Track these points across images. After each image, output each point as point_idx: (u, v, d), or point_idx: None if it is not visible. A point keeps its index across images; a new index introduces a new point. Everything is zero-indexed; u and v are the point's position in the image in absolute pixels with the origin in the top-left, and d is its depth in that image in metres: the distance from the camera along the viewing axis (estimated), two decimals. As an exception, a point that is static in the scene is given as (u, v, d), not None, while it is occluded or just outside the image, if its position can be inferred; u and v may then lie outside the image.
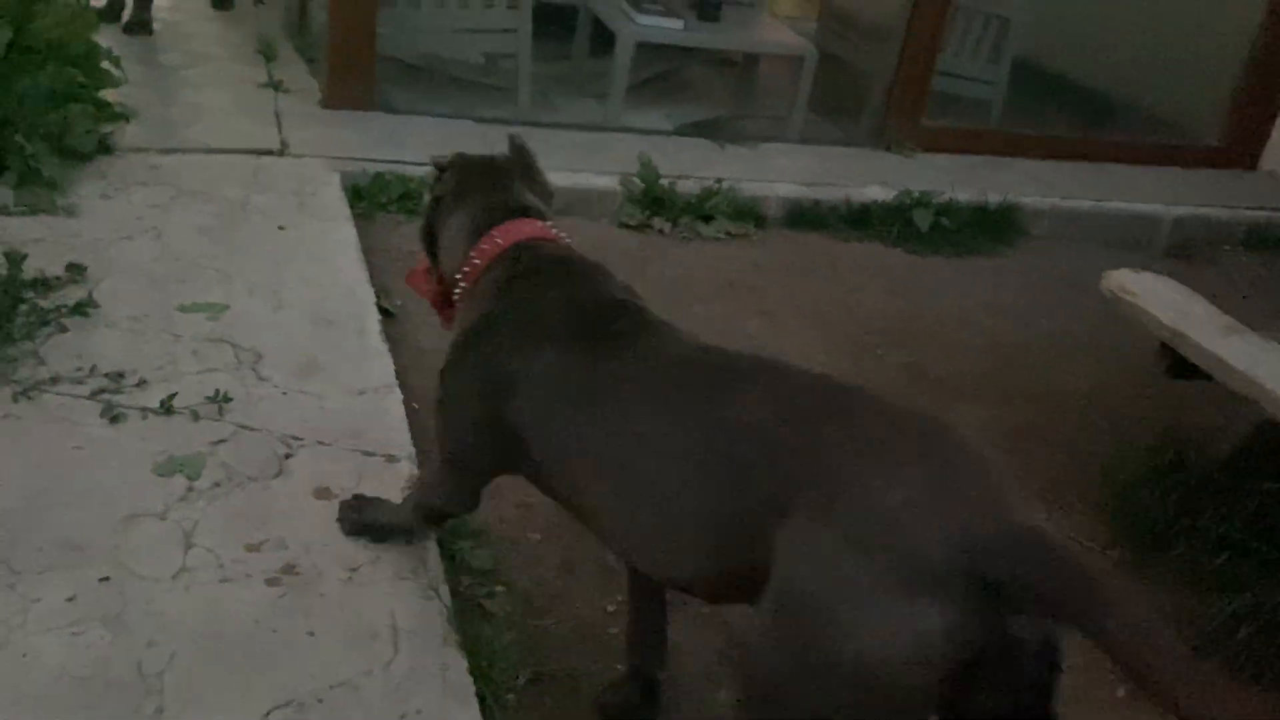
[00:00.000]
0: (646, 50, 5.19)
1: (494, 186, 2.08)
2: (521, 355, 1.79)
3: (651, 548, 1.65)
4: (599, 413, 1.67)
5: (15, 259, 2.96)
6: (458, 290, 2.03)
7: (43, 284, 2.97)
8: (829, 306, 3.95)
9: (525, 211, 2.06)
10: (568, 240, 2.05)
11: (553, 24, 5.52)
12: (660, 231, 4.30)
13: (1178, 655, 1.18)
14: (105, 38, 4.18)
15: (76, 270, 3.05)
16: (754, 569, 1.40)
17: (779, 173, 4.83)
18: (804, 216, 4.58)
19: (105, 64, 4.09)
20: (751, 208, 4.50)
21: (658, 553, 1.64)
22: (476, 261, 1.97)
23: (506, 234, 1.98)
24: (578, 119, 5.15)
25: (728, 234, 4.36)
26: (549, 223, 2.08)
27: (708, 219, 4.38)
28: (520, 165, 2.18)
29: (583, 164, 4.59)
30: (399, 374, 2.96)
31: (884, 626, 1.26)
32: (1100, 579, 1.26)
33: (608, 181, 4.50)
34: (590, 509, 1.75)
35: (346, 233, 3.65)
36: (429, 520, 2.21)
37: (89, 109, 3.72)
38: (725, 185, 4.49)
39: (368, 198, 4.04)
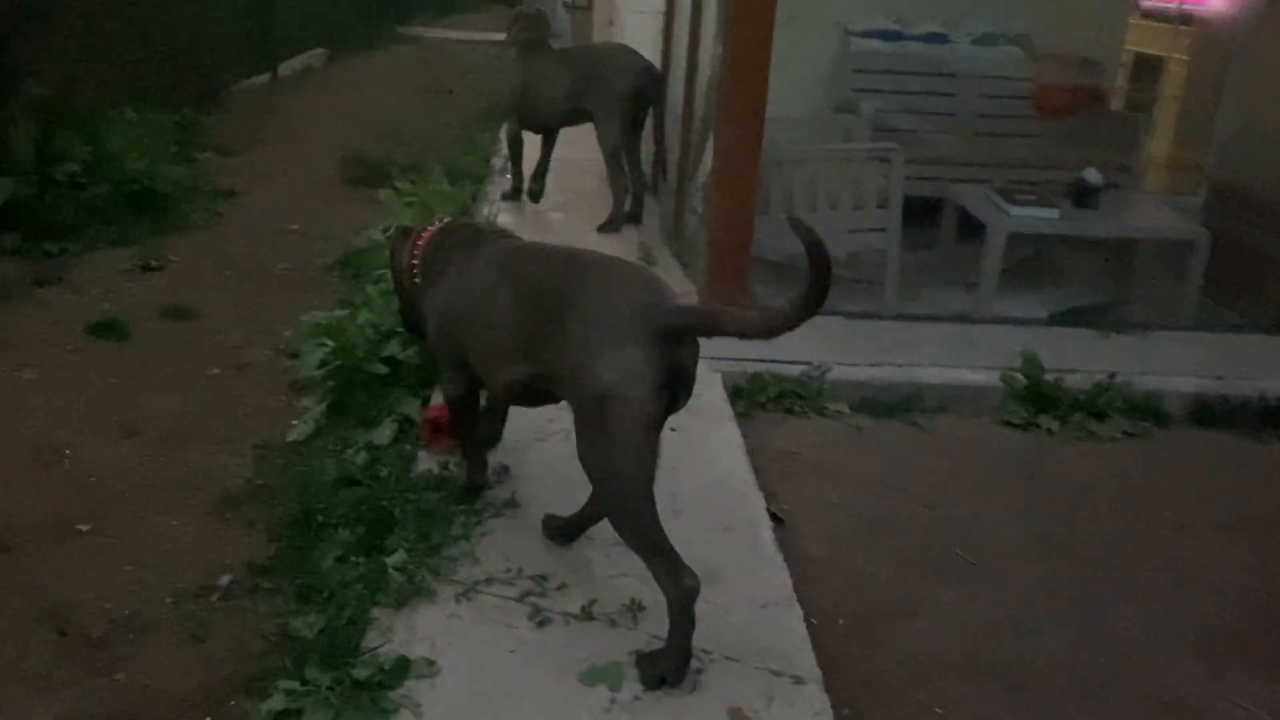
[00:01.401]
0: (1018, 238, 5.09)
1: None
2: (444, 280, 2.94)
3: (493, 365, 2.77)
4: (471, 286, 2.81)
5: (450, 464, 3.29)
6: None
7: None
8: (1258, 520, 3.54)
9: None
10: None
11: (917, 215, 5.56)
12: (1048, 431, 4.08)
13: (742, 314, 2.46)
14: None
15: (502, 473, 3.33)
16: (549, 368, 2.57)
17: (1176, 364, 4.49)
18: (1211, 413, 4.19)
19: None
20: (1149, 404, 4.18)
21: (497, 367, 2.75)
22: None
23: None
24: (946, 310, 5.09)
25: (1125, 434, 4.06)
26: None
27: (1101, 417, 4.11)
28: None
29: (955, 358, 4.50)
30: (794, 582, 2.95)
31: (614, 364, 2.37)
32: (718, 311, 2.57)
33: (984, 377, 4.37)
34: (473, 354, 2.85)
35: (731, 433, 3.76)
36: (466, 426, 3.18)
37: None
38: (1118, 379, 4.22)
39: (746, 396, 4.16)
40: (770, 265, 5.11)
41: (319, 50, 13.15)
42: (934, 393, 4.32)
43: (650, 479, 2.46)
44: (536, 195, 6.73)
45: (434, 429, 3.46)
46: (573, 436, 2.53)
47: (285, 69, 11.81)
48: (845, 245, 5.17)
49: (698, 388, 4.05)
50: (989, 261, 5.03)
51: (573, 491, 3.25)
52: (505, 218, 6.28)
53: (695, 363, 2.48)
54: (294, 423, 3.78)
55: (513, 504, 3.20)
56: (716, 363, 4.29)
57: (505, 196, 6.67)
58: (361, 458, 3.47)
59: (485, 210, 6.33)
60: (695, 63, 5.59)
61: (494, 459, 3.40)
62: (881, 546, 3.32)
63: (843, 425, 4.07)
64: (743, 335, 2.39)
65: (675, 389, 2.43)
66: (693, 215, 5.74)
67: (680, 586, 2.42)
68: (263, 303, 4.99)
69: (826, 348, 4.49)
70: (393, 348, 3.87)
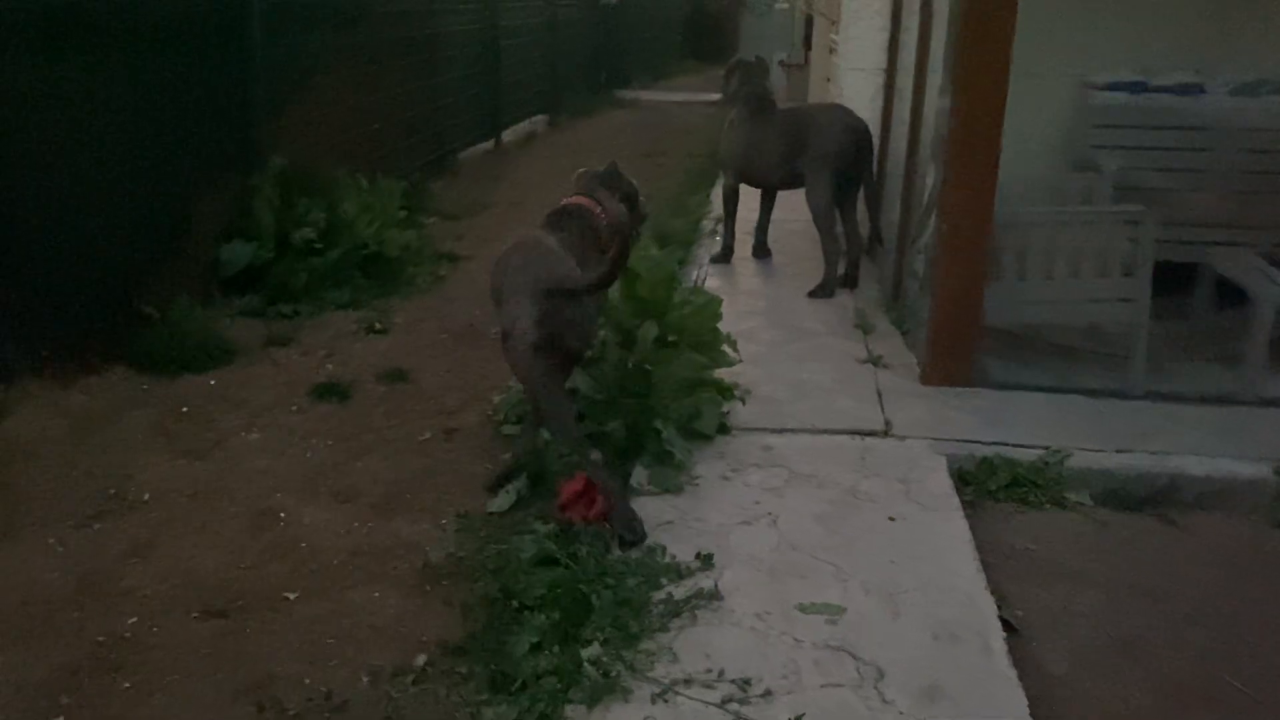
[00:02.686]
0: (1291, 311, 4.49)
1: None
2: None
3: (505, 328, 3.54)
4: None
5: (656, 549, 3.13)
6: None
7: (675, 571, 3.09)
8: None
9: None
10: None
11: (1165, 282, 5.03)
12: (1337, 536, 3.52)
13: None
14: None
15: (704, 560, 3.14)
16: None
17: None
18: None
19: (725, 347, 4.41)
20: None
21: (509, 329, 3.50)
22: None
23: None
24: (1204, 389, 4.53)
25: None
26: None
27: (1404, 523, 3.51)
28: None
29: (1217, 446, 3.98)
30: (1030, 705, 2.60)
31: (520, 315, 3.41)
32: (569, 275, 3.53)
33: (1253, 469, 3.85)
34: None
35: (958, 526, 3.43)
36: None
37: (715, 397, 3.96)
38: None
39: (974, 483, 3.80)
40: (1001, 337, 4.72)
41: (540, 116, 13.61)
42: (1192, 485, 3.82)
43: (546, 386, 3.48)
44: (761, 251, 6.59)
45: (565, 505, 3.45)
46: (782, 522, 3.39)
47: (509, 135, 12.27)
48: (1085, 315, 4.72)
49: (919, 473, 3.81)
50: (1256, 336, 4.46)
51: (783, 582, 3.03)
52: (714, 281, 6.15)
53: (576, 314, 3.50)
54: (491, 500, 3.73)
55: (715, 595, 3.00)
56: (940, 444, 3.97)
57: (714, 259, 6.55)
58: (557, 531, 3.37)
59: (694, 274, 6.22)
60: (919, 120, 5.31)
61: (694, 548, 3.22)
62: (1134, 667, 2.89)
63: (1085, 519, 3.65)
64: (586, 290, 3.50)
65: (555, 329, 3.42)
66: (913, 280, 5.43)
67: (590, 460, 3.44)
68: (476, 367, 5.03)
69: (1065, 430, 4.07)
70: (590, 424, 3.77)
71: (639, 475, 3.69)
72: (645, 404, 3.83)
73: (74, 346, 4.75)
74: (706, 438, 3.95)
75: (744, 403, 4.11)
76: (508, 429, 4.14)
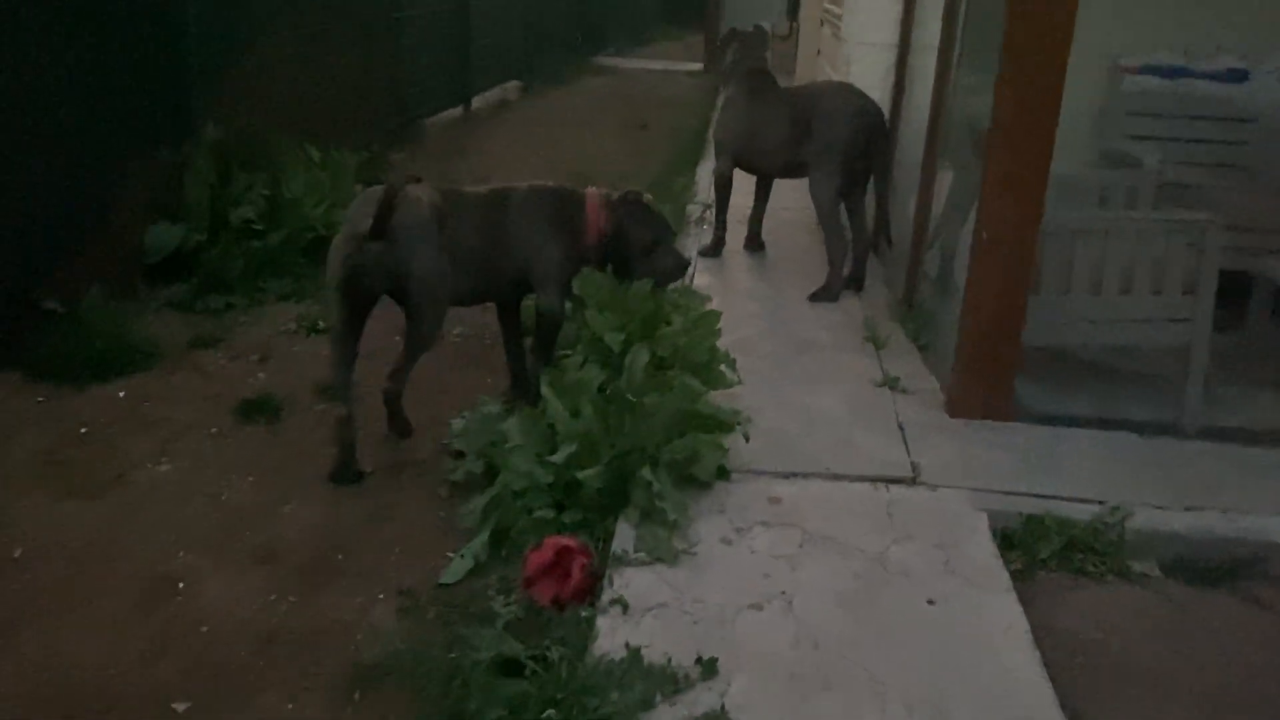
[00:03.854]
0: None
1: None
2: None
3: None
4: None
5: (647, 648, 2.50)
6: None
7: (670, 680, 2.46)
8: None
9: None
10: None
11: (1227, 300, 4.44)
12: None
13: None
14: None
15: (707, 667, 2.51)
16: None
17: None
18: None
19: (723, 368, 3.78)
20: None
21: None
22: None
23: None
24: (1271, 424, 3.95)
25: None
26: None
27: None
28: None
29: (1292, 498, 3.40)
30: None
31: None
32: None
33: (1342, 529, 3.25)
34: None
35: (1010, 611, 2.82)
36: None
37: (714, 439, 3.32)
38: None
39: (1022, 547, 3.20)
40: (1037, 354, 4.10)
41: (513, 83, 12.83)
42: (1247, 547, 3.24)
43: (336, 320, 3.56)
44: (754, 244, 5.95)
45: (531, 580, 2.86)
46: (799, 605, 2.78)
47: (479, 102, 11.49)
48: (1136, 336, 4.11)
49: (958, 534, 3.21)
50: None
51: (805, 697, 2.41)
52: (704, 278, 5.50)
53: (376, 259, 3.43)
54: (450, 555, 3.08)
55: (720, 715, 2.37)
56: (979, 495, 3.36)
57: (703, 252, 5.90)
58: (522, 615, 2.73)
59: (682, 269, 5.56)
60: (941, 105, 4.67)
61: (693, 644, 2.59)
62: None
63: (1156, 598, 3.05)
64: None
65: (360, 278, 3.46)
66: (928, 285, 4.80)
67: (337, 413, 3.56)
68: (433, 379, 4.36)
69: (1120, 478, 3.48)
70: (569, 458, 3.12)
71: (624, 535, 3.06)
72: (631, 444, 3.18)
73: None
74: (704, 484, 3.31)
75: (747, 439, 3.48)
76: (455, 472, 3.47)
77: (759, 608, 2.78)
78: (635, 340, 3.71)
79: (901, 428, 3.80)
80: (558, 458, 3.10)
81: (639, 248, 3.93)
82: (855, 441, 3.68)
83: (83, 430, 3.80)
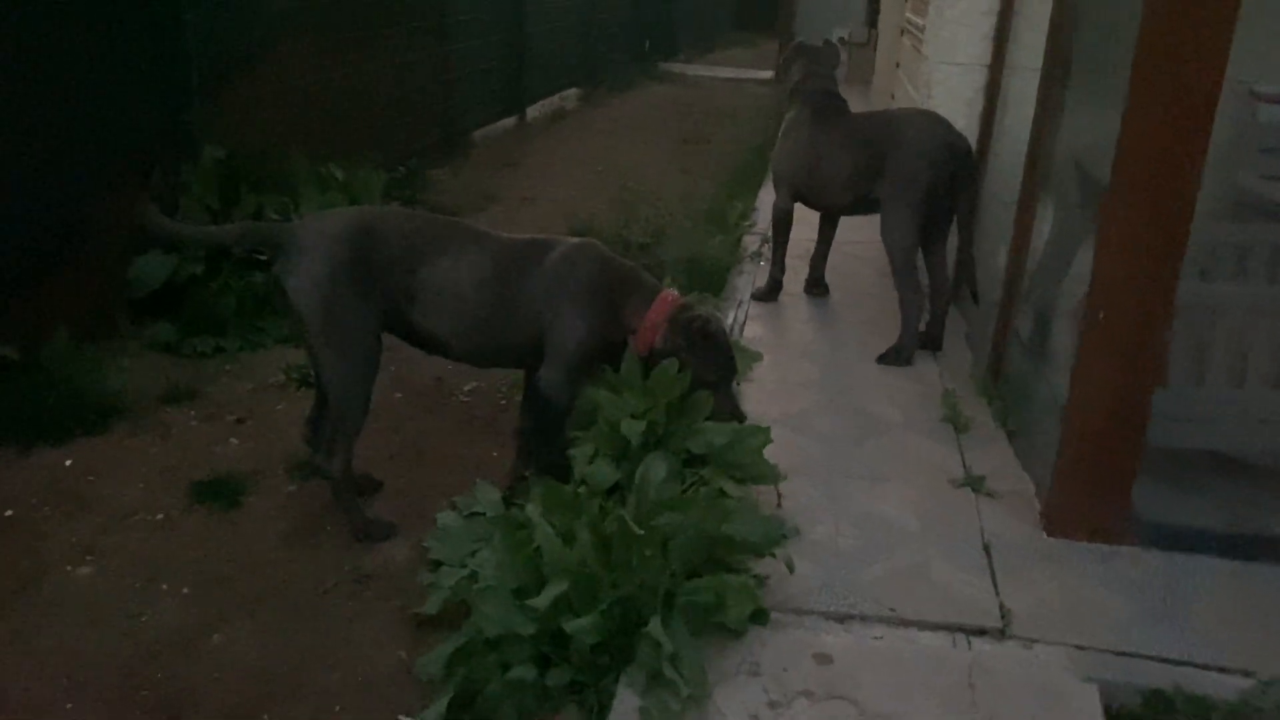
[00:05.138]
0: None
1: None
2: None
3: None
4: None
5: None
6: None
7: None
8: None
9: None
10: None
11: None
12: None
13: None
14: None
15: None
16: None
17: None
18: None
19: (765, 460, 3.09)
20: None
21: None
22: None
23: None
24: None
25: None
26: None
27: None
28: None
29: None
30: None
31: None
32: None
33: None
34: None
35: None
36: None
37: (746, 583, 2.62)
38: None
39: (1146, 739, 2.44)
40: (1159, 463, 3.31)
41: (572, 90, 12.21)
42: None
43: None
44: (816, 288, 5.24)
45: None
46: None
47: (535, 111, 10.89)
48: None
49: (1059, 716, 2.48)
50: None
51: None
52: (755, 328, 4.79)
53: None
54: (402, 719, 2.42)
55: None
56: (1087, 657, 2.60)
57: (757, 295, 5.19)
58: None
59: (731, 315, 4.86)
60: (1043, 137, 3.89)
61: None
62: None
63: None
64: None
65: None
66: (1019, 352, 4.02)
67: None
68: (429, 455, 3.73)
69: (1272, 632, 2.69)
70: (557, 600, 2.43)
71: (625, 706, 2.37)
72: (638, 585, 2.49)
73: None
74: (732, 633, 2.60)
75: (791, 569, 2.76)
76: (429, 600, 2.81)
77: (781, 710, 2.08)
78: (659, 431, 3.02)
79: (988, 549, 3.05)
80: (541, 601, 2.42)
81: (696, 381, 3.16)
82: (930, 570, 2.94)
83: (7, 513, 3.23)
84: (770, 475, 3.13)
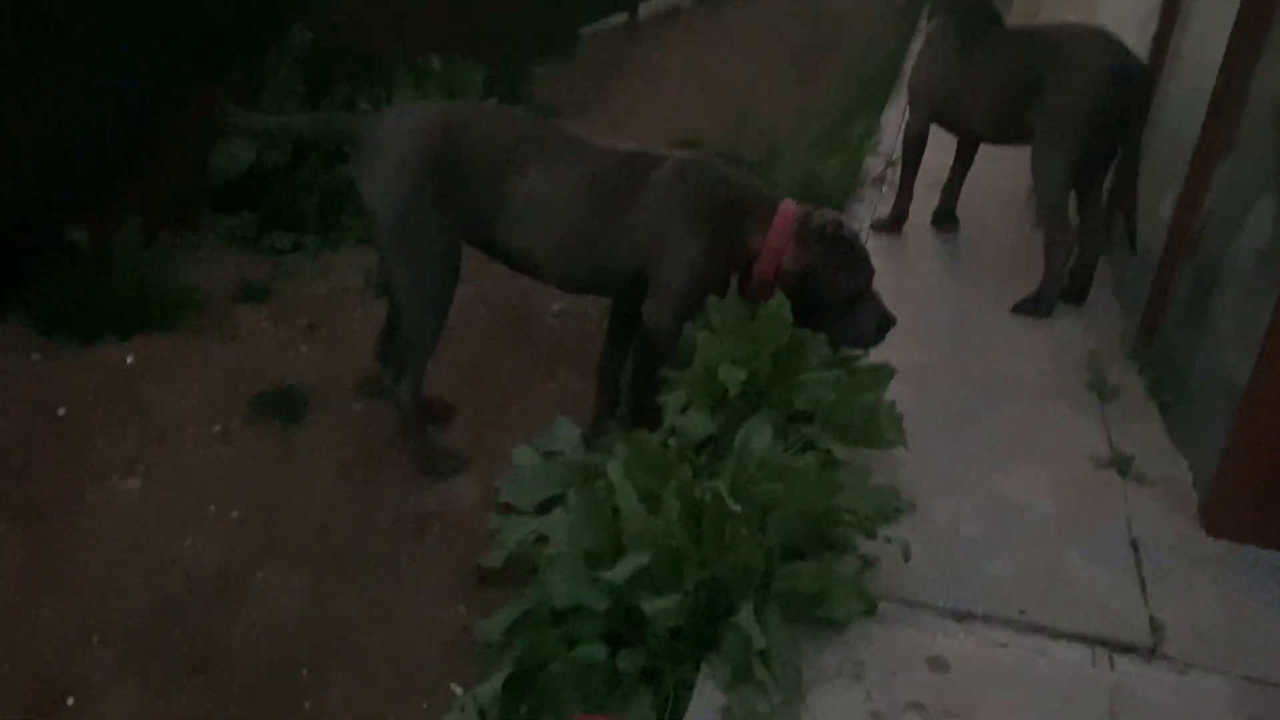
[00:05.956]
0: None
1: None
2: None
3: None
4: None
5: None
6: None
7: None
8: None
9: None
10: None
11: None
12: None
13: None
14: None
15: None
16: None
17: None
18: None
19: (885, 425, 2.70)
20: None
21: None
22: None
23: None
24: None
25: None
26: None
27: None
28: None
29: None
30: None
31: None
32: None
33: None
34: None
35: None
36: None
37: (855, 574, 2.26)
38: None
39: (1325, 803, 2.03)
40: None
41: (691, -13, 11.54)
42: None
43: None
44: (946, 221, 4.74)
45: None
46: None
47: (647, 9, 10.31)
48: None
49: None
50: None
51: None
52: (878, 262, 4.33)
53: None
54: (454, 689, 2.15)
55: None
56: (1254, 692, 2.20)
57: (878, 225, 4.71)
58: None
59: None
60: (1239, 68, 3.31)
61: None
62: None
63: None
64: None
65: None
66: (1180, 315, 3.51)
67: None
68: (505, 382, 3.42)
69: None
70: (635, 575, 2.11)
71: (704, 701, 2.05)
72: (731, 567, 2.15)
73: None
74: (834, 625, 2.26)
75: (907, 558, 2.38)
76: (499, 534, 2.51)
77: None
78: (762, 382, 2.65)
79: (1136, 547, 2.63)
80: (618, 574, 2.10)
81: (833, 299, 2.80)
82: (1066, 567, 2.54)
83: (60, 411, 3.03)
84: (887, 438, 2.74)
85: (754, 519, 2.18)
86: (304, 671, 2.20)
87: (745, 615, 2.06)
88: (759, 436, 2.34)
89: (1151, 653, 2.29)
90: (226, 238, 4.30)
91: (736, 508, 2.09)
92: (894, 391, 2.81)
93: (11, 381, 3.15)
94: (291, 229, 4.39)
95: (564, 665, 2.10)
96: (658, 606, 2.08)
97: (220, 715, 2.07)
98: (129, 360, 3.35)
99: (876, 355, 3.06)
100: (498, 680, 2.09)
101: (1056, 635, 2.32)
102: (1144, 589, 2.47)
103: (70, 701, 2.06)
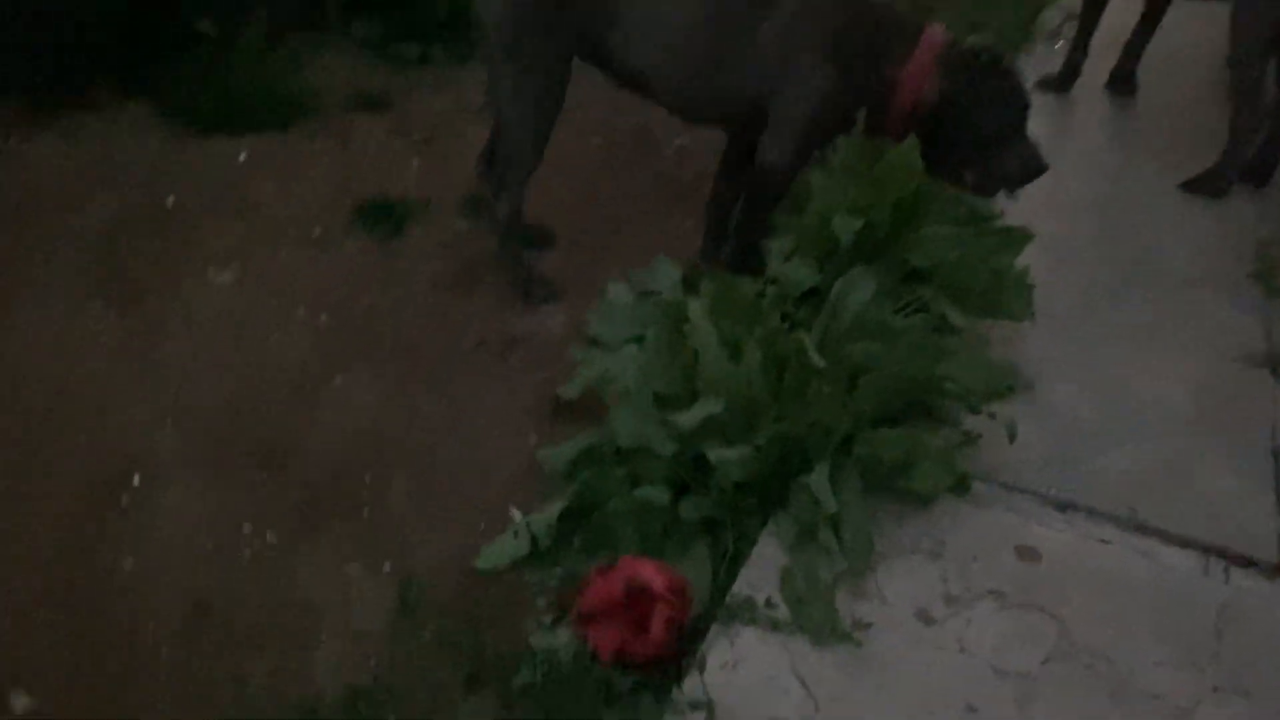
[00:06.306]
0: None
1: None
2: None
3: None
4: None
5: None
6: None
7: None
8: None
9: None
10: None
11: None
12: None
13: None
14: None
15: None
16: None
17: None
18: None
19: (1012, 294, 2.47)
20: None
21: None
22: None
23: None
24: None
25: None
26: None
27: None
28: None
29: None
30: None
31: None
32: None
33: None
34: None
35: None
36: None
37: (950, 445, 2.07)
38: None
39: None
40: None
41: None
42: None
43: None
44: (1123, 83, 4.27)
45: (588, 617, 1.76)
46: None
47: None
48: None
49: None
50: None
51: None
52: (1034, 122, 3.94)
53: None
54: (514, 514, 2.10)
55: None
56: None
57: (1045, 82, 4.26)
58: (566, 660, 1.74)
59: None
60: None
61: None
62: None
63: None
64: None
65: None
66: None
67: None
68: (612, 214, 3.28)
69: None
70: (706, 423, 1.99)
71: (764, 559, 1.94)
72: (810, 423, 2.00)
73: (78, 66, 3.37)
74: (918, 498, 2.10)
75: (1013, 437, 2.18)
76: (580, 365, 2.41)
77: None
78: (879, 235, 2.42)
79: (1277, 457, 2.35)
80: (688, 419, 1.97)
81: (977, 137, 2.50)
82: (1193, 468, 2.29)
83: (168, 200, 3.05)
84: (1012, 309, 2.50)
85: (841, 377, 2.01)
86: (367, 479, 2.18)
87: (818, 476, 1.92)
88: (859, 290, 2.15)
89: (1277, 570, 2.06)
90: (353, 44, 4.20)
91: (820, 362, 1.92)
92: (1029, 260, 2.55)
93: (128, 166, 3.18)
94: (419, 39, 4.26)
95: (623, 504, 2.02)
96: (724, 456, 1.95)
97: (278, 512, 2.07)
98: (241, 157, 3.34)
99: (1015, 219, 2.78)
100: (554, 510, 2.02)
101: (1168, 539, 2.11)
102: (1279, 503, 2.22)
103: (135, 480, 2.10)
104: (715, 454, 1.95)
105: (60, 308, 2.56)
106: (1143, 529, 2.13)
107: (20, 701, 1.68)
